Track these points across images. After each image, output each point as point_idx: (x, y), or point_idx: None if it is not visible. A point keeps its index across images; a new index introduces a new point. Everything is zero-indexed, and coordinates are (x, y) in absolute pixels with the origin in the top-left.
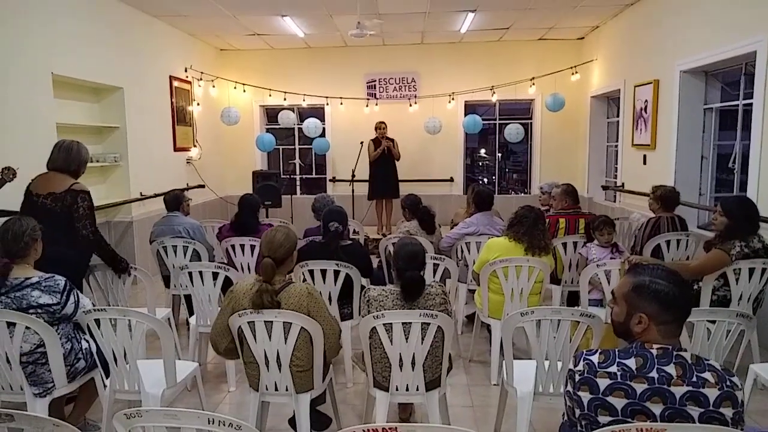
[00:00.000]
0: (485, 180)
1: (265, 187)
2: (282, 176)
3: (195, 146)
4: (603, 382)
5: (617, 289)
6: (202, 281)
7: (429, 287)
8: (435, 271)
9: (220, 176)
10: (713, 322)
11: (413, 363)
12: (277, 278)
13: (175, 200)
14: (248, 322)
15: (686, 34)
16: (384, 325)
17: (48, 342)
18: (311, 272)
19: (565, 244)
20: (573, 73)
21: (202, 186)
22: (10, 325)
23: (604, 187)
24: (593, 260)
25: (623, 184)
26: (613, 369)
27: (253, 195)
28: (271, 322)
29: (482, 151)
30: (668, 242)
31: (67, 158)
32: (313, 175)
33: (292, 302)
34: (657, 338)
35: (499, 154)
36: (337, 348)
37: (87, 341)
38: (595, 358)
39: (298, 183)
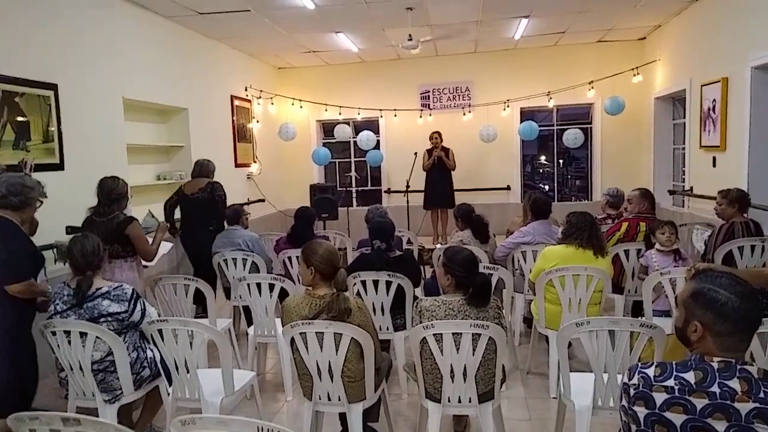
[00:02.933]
0: (546, 187)
1: (322, 199)
2: (338, 189)
3: (255, 162)
4: (659, 397)
5: (680, 294)
6: (260, 292)
7: None
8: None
9: (279, 190)
10: None
11: (465, 374)
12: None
13: (234, 214)
14: (300, 334)
15: (757, 28)
16: (435, 335)
17: (116, 351)
18: (363, 283)
19: (627, 251)
20: (635, 75)
21: (263, 200)
22: (83, 334)
23: (671, 192)
24: (655, 268)
25: (692, 188)
26: (670, 383)
27: (308, 208)
28: (322, 333)
29: (542, 157)
30: (741, 248)
31: (201, 170)
32: (369, 187)
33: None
34: (713, 350)
35: (560, 161)
36: (380, 360)
37: (152, 350)
38: (650, 371)
39: (354, 195)
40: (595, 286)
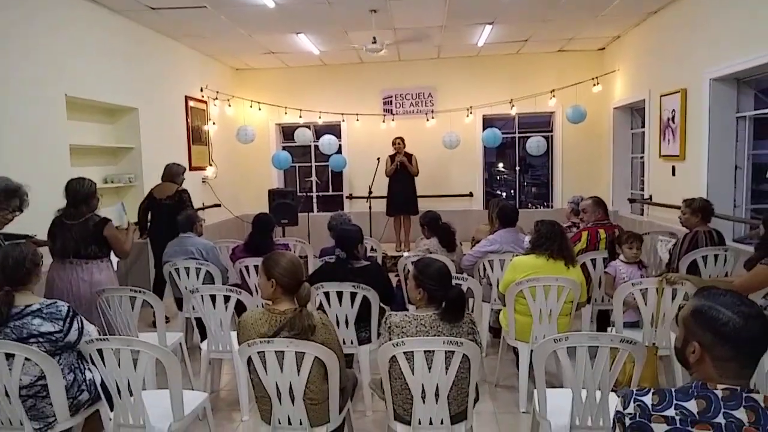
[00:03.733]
0: (503, 194)
1: (281, 205)
2: (299, 194)
3: (211, 165)
4: (659, 428)
5: (681, 311)
6: (214, 305)
7: None
8: None
9: (236, 195)
10: None
11: (437, 394)
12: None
13: (187, 221)
14: (258, 353)
15: (715, 40)
16: (405, 353)
17: (49, 373)
18: (327, 294)
19: (594, 260)
20: (594, 84)
21: (218, 205)
22: (9, 356)
23: (631, 200)
24: (623, 279)
25: (651, 196)
26: (671, 413)
27: (266, 214)
28: (283, 352)
29: (500, 165)
30: (705, 257)
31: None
32: (330, 193)
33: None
34: (713, 375)
35: (518, 168)
36: (345, 380)
37: (91, 371)
38: (648, 399)
39: (315, 200)
40: (566, 297)
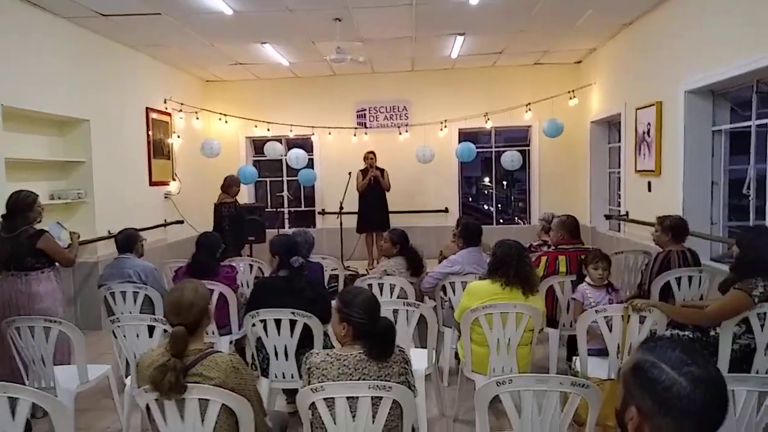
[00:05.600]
0: (492, 209)
1: (249, 221)
2: (268, 210)
3: (174, 180)
4: None
5: (624, 364)
6: (137, 335)
7: None
8: (408, 319)
9: (203, 211)
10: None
11: None
12: (192, 348)
13: (127, 240)
14: (156, 400)
15: (689, 52)
16: (325, 399)
17: None
18: (264, 323)
19: (562, 283)
20: (571, 98)
21: (181, 222)
22: None
23: (607, 216)
24: (590, 304)
25: (627, 213)
26: None
27: (212, 233)
28: (184, 399)
29: (486, 179)
30: (679, 279)
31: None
32: (302, 208)
33: (212, 376)
34: None
35: (504, 182)
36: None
37: None
38: None
39: (286, 216)
40: (525, 325)
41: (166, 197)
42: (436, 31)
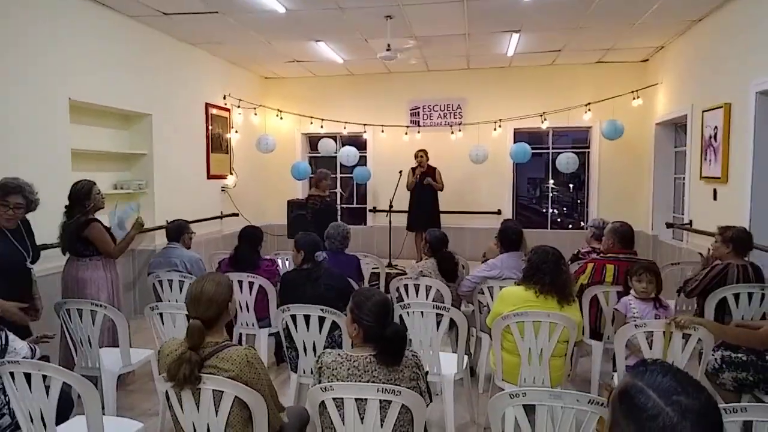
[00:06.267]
0: (555, 212)
1: (298, 216)
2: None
3: (231, 174)
4: None
5: (614, 389)
6: (174, 324)
7: None
8: (439, 324)
9: (258, 205)
10: None
11: None
12: (210, 340)
13: (176, 231)
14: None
15: (762, 51)
16: (334, 399)
17: None
18: (294, 318)
19: (607, 293)
20: (634, 98)
21: (236, 214)
22: None
23: (669, 225)
24: (633, 317)
25: (690, 221)
26: None
27: (254, 227)
28: (199, 389)
29: (551, 181)
30: (737, 296)
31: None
32: (354, 205)
33: (226, 368)
34: None
35: (570, 185)
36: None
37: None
38: None
39: (338, 213)
40: (559, 336)
41: (222, 190)
42: (490, 28)
